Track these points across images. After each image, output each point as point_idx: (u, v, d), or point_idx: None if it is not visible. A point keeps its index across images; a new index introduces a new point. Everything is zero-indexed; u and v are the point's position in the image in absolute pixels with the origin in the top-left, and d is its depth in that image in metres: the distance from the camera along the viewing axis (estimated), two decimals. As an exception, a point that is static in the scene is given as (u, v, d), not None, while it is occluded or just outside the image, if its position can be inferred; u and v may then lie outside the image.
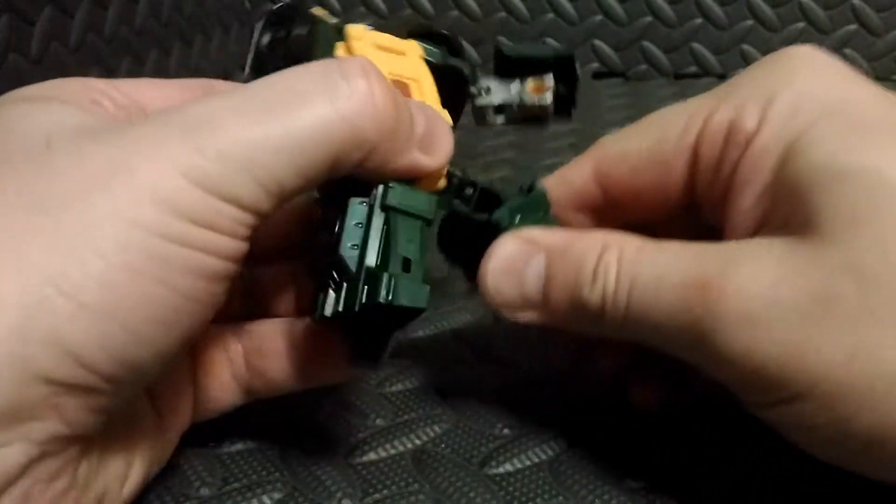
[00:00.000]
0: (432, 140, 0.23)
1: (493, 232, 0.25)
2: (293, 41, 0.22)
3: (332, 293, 0.21)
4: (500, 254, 0.24)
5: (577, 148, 0.51)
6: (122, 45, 0.54)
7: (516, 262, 0.24)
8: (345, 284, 0.21)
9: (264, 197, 0.20)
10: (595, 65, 0.69)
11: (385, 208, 0.22)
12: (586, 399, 0.29)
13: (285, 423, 0.26)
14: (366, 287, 0.21)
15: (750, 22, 0.66)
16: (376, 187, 0.22)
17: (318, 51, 0.25)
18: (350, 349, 0.23)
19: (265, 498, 0.24)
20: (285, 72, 0.21)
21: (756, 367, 0.20)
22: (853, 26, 0.65)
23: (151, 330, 0.19)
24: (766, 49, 0.20)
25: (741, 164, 0.23)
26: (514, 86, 0.28)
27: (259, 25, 0.24)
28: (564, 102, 0.28)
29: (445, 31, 0.28)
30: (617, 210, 0.26)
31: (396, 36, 0.27)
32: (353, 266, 0.21)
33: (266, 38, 0.23)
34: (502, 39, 0.68)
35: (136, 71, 0.56)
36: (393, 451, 0.26)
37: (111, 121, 0.21)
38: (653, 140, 0.25)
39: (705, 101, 0.24)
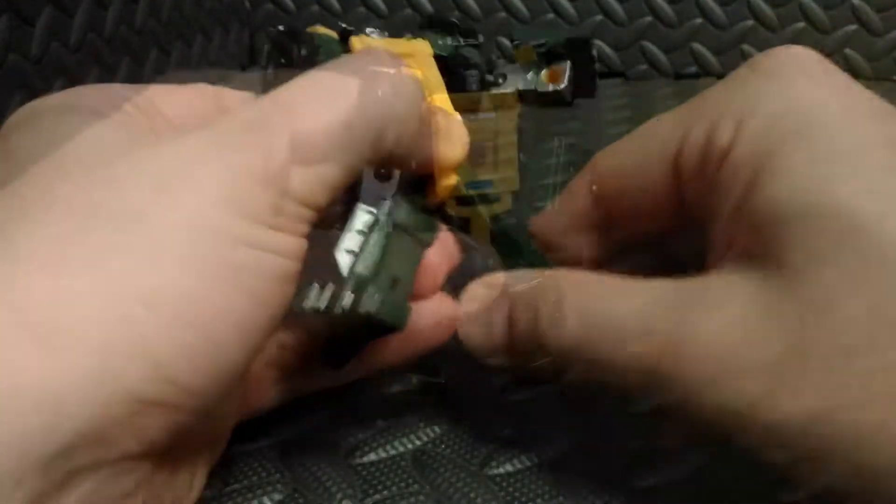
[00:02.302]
0: (450, 133, 0.24)
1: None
2: (297, 65, 0.23)
3: (316, 286, 0.22)
4: (468, 302, 0.25)
5: (577, 148, 0.51)
6: (122, 45, 0.54)
7: (484, 309, 0.24)
8: (331, 284, 0.22)
9: (318, 189, 0.20)
10: (595, 65, 0.69)
11: (390, 224, 0.23)
12: (586, 399, 0.29)
13: (285, 424, 0.26)
14: (353, 294, 0.21)
15: (750, 22, 0.66)
16: (386, 200, 0.23)
17: None
18: (321, 348, 0.24)
19: (265, 499, 0.24)
20: (320, 68, 0.21)
21: (725, 421, 0.20)
22: (853, 26, 0.65)
23: (231, 337, 0.19)
24: (767, 49, 0.20)
25: (717, 183, 0.22)
26: (531, 74, 0.28)
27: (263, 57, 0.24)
28: (583, 85, 0.28)
29: (454, 19, 0.28)
30: (618, 227, 0.26)
31: (406, 33, 0.27)
32: (344, 270, 0.22)
33: (270, 69, 0.24)
34: (514, 24, 0.67)
35: (136, 71, 0.56)
36: (393, 452, 0.26)
37: (139, 130, 0.21)
38: (638, 155, 0.24)
39: (685, 114, 0.23)
